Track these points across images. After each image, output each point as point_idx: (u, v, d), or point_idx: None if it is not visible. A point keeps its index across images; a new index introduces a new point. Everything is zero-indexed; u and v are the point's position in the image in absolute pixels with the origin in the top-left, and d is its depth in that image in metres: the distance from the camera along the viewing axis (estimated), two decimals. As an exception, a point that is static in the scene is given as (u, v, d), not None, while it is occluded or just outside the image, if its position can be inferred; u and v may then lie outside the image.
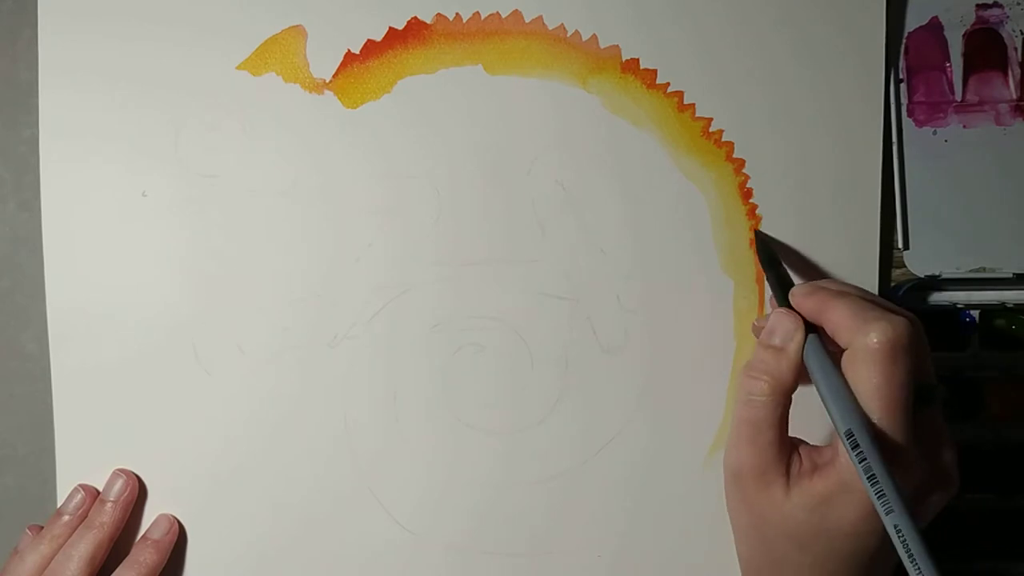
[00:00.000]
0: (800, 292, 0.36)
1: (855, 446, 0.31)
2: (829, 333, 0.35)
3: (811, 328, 0.35)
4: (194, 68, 0.41)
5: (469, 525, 0.42)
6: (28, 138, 0.43)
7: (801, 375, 0.35)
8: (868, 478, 0.30)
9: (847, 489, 0.33)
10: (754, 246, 0.41)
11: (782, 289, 0.37)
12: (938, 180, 0.42)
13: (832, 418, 0.32)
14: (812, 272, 0.42)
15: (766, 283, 0.42)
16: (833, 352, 0.34)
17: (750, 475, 0.35)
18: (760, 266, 0.41)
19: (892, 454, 0.31)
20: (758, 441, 0.35)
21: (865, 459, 0.31)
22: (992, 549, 0.42)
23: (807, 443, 0.36)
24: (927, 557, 0.29)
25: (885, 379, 0.32)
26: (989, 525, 0.42)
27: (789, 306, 0.36)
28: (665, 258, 0.42)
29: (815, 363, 0.34)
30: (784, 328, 0.35)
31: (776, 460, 0.34)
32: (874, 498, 0.30)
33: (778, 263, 0.40)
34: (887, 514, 0.30)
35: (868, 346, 0.32)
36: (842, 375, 0.33)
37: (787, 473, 0.34)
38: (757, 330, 0.37)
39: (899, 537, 0.30)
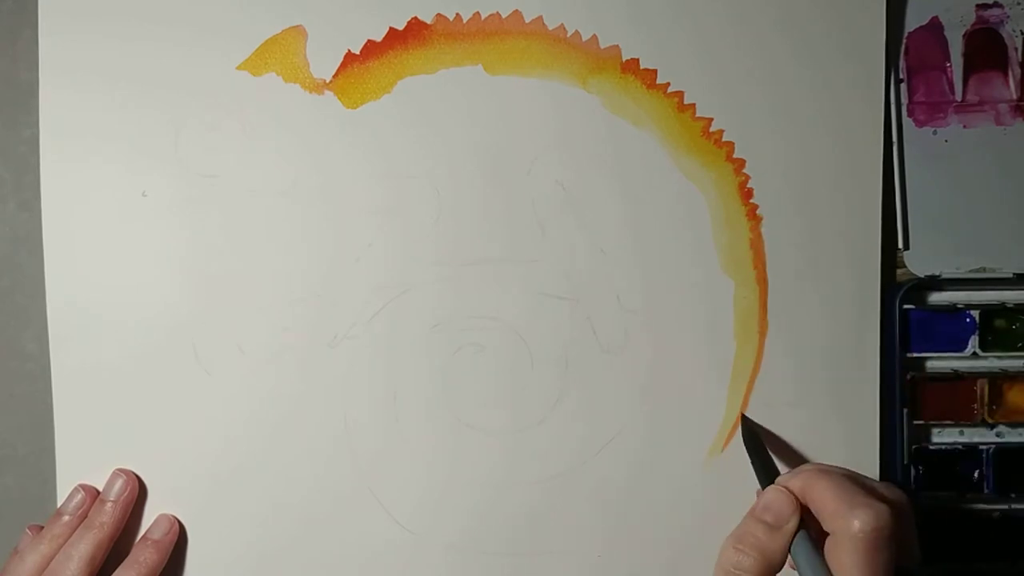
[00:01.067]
0: (786, 476, 0.36)
1: None
2: (813, 512, 0.34)
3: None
4: (194, 68, 0.41)
5: (469, 525, 0.42)
6: (28, 138, 0.43)
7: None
8: None
9: None
10: (740, 429, 0.41)
11: (767, 475, 0.37)
12: (938, 180, 0.42)
13: None
14: (813, 273, 0.42)
15: (769, 292, 0.42)
16: (816, 538, 0.34)
17: None
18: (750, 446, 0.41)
19: None
20: None
21: None
22: (992, 549, 0.42)
23: None
24: None
25: (868, 569, 0.32)
26: (989, 525, 0.42)
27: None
28: (665, 258, 0.42)
29: (802, 551, 0.34)
30: (781, 507, 0.35)
31: None
32: None
33: (762, 448, 0.40)
34: None
35: (852, 533, 0.32)
36: (826, 565, 0.33)
37: None
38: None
39: None
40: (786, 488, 0.35)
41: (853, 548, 0.32)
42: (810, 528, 0.34)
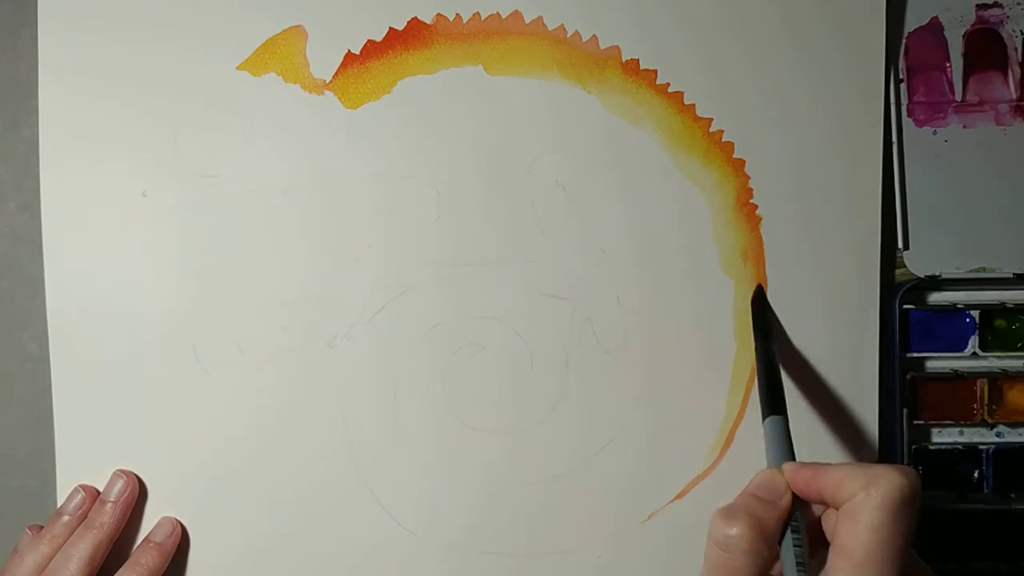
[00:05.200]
0: (792, 464, 0.32)
1: None
2: (827, 499, 0.30)
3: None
4: (194, 68, 0.41)
5: (468, 525, 0.42)
6: (28, 138, 0.43)
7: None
8: None
9: None
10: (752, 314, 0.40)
11: (772, 401, 0.35)
12: (938, 180, 0.42)
13: None
14: (813, 274, 0.42)
15: (769, 292, 0.42)
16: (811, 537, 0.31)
17: None
18: (757, 309, 0.40)
19: None
20: None
21: None
22: (991, 550, 0.42)
23: None
24: None
25: (888, 537, 0.28)
26: (988, 526, 0.42)
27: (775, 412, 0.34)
28: (665, 258, 0.42)
29: (793, 535, 0.30)
30: (774, 483, 0.31)
31: None
32: None
33: (774, 365, 0.37)
34: None
35: (872, 498, 0.28)
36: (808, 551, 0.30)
37: None
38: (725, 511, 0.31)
39: None
40: (781, 473, 0.32)
41: (872, 513, 0.28)
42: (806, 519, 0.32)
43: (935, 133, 0.42)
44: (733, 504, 0.31)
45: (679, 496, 0.42)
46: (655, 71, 0.41)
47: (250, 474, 0.42)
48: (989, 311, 0.42)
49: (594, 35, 0.41)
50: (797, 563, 0.30)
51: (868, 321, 0.42)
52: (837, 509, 0.29)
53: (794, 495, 0.31)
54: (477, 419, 0.42)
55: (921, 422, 0.42)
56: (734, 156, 0.42)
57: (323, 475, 0.42)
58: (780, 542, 0.31)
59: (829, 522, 0.31)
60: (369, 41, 0.41)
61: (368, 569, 0.42)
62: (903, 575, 0.28)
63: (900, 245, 0.42)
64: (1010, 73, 0.42)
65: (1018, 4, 0.42)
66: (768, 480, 0.32)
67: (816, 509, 0.32)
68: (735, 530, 0.30)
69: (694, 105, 0.42)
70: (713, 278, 0.42)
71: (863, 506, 0.28)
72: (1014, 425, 0.43)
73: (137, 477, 0.42)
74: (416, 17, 0.41)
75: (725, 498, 0.42)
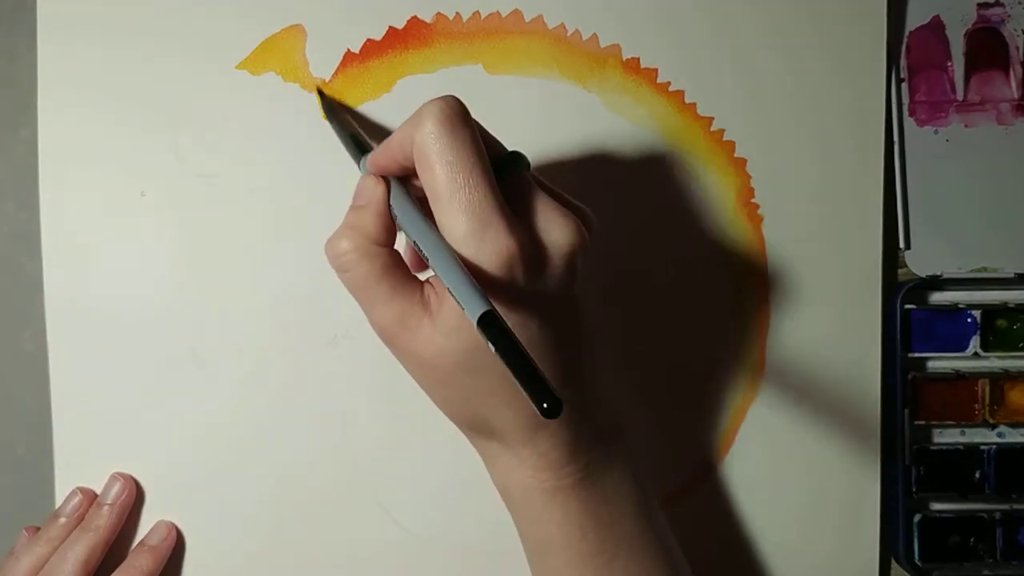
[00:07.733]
0: (368, 156, 0.33)
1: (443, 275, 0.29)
2: (406, 161, 0.31)
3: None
4: (193, 68, 0.41)
5: (468, 525, 0.42)
6: (27, 137, 0.43)
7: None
8: (458, 300, 0.28)
9: None
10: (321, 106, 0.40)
11: (358, 148, 0.35)
12: (939, 180, 0.42)
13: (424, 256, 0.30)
14: (814, 273, 0.42)
15: (769, 292, 0.42)
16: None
17: (393, 330, 0.31)
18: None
19: (481, 233, 0.29)
20: (375, 298, 0.31)
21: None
22: (992, 550, 0.42)
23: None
24: (474, 292, 0.27)
25: (450, 140, 0.29)
26: (990, 526, 0.42)
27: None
28: (666, 258, 0.42)
29: (397, 206, 0.31)
30: (362, 186, 0.32)
31: (407, 305, 0.31)
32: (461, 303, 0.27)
33: (347, 121, 0.38)
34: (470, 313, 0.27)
35: (425, 125, 0.29)
36: (421, 210, 0.31)
37: (427, 310, 0.31)
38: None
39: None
40: (374, 166, 0.33)
41: (427, 140, 0.29)
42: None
43: (936, 132, 0.42)
44: (339, 225, 0.33)
45: (680, 496, 0.42)
46: (655, 70, 0.41)
47: (249, 474, 0.42)
48: (991, 311, 0.42)
49: (594, 34, 0.41)
50: (400, 218, 0.31)
51: (870, 321, 0.42)
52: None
53: (388, 180, 0.32)
54: (477, 419, 0.42)
55: (922, 422, 0.42)
56: (735, 155, 0.42)
57: (322, 475, 0.42)
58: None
59: None
60: (368, 40, 0.41)
61: (367, 569, 0.42)
62: (486, 170, 0.30)
63: (901, 245, 0.42)
64: (1011, 72, 0.42)
65: (1019, 3, 0.42)
66: (357, 186, 0.33)
67: None
68: (342, 246, 0.32)
69: (695, 104, 0.41)
70: (713, 278, 0.42)
71: (420, 141, 0.30)
72: (1015, 425, 0.43)
73: (135, 480, 0.41)
74: (416, 16, 0.41)
75: (727, 498, 0.42)
